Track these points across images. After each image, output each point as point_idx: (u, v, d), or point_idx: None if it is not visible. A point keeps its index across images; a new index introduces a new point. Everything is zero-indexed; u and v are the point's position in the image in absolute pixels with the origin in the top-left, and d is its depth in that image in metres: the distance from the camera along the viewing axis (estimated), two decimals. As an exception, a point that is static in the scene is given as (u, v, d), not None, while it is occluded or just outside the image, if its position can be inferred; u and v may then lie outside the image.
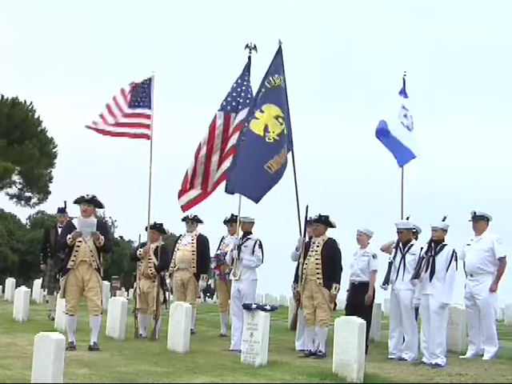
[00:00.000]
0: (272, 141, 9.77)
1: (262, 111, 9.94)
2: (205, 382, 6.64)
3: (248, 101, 10.73)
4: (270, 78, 10.18)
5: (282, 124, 9.93)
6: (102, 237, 8.89)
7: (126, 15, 78.88)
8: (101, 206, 9.27)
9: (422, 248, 9.21)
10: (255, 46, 10.81)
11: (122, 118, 10.89)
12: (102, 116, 10.78)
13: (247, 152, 9.87)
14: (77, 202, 9.10)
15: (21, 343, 8.91)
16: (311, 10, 76.84)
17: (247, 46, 10.82)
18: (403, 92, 12.22)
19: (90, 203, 9.00)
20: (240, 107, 10.75)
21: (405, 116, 11.87)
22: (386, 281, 9.51)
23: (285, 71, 10.41)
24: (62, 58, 74.51)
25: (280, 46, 10.36)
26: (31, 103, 39.85)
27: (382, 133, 11.54)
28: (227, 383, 6.66)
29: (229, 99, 10.94)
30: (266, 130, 9.80)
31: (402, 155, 11.63)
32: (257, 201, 9.77)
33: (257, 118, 9.92)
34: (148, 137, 10.96)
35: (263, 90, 10.14)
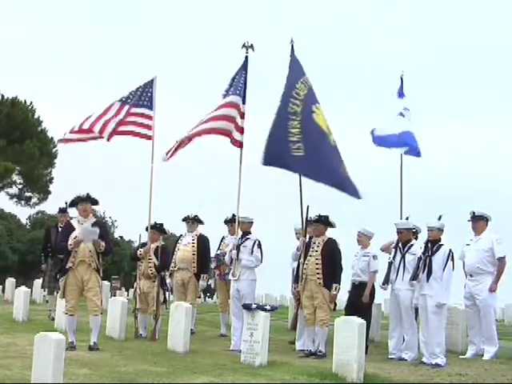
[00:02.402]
0: (334, 144, 9.36)
1: (317, 108, 9.47)
2: (205, 382, 6.64)
3: (240, 89, 10.44)
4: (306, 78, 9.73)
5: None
6: (103, 243, 8.90)
7: (126, 16, 78.96)
8: (96, 202, 9.25)
9: (420, 248, 9.23)
10: (252, 45, 10.75)
11: (127, 116, 10.88)
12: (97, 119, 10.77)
13: (317, 142, 9.20)
14: (73, 203, 9.10)
15: (21, 343, 8.89)
16: (311, 10, 76.87)
17: (244, 46, 10.79)
18: (401, 93, 12.16)
19: (87, 201, 9.01)
20: (231, 93, 10.45)
21: (401, 115, 11.85)
22: (386, 281, 9.52)
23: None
24: (62, 58, 74.62)
25: (292, 46, 10.01)
26: (31, 103, 39.88)
27: (379, 141, 11.57)
28: (227, 383, 6.67)
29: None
30: (328, 129, 9.38)
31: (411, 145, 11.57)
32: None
33: (315, 113, 9.41)
34: (149, 137, 10.99)
35: (309, 85, 9.57)
